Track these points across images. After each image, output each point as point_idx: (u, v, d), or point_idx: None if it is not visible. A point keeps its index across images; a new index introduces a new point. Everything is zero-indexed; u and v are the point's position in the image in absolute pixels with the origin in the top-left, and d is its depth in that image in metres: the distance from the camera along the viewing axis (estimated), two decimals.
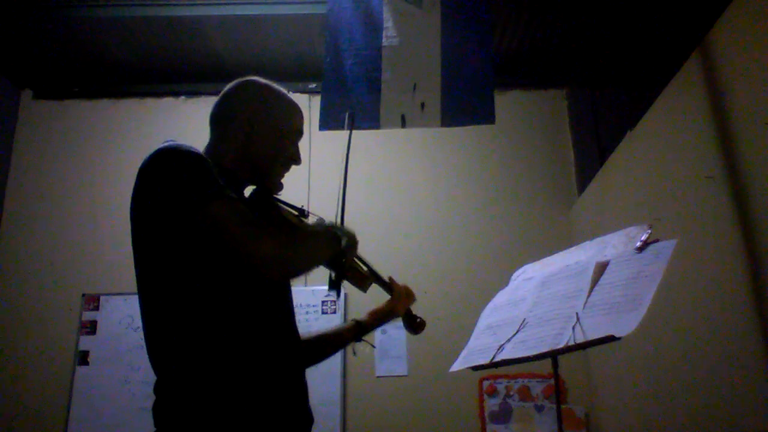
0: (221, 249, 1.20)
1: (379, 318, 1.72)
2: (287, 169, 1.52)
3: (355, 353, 1.71)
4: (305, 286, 3.55)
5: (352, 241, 1.44)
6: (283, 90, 1.54)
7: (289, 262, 1.27)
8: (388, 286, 1.71)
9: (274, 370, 1.30)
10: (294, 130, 1.52)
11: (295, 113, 1.52)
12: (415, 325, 1.75)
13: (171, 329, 1.24)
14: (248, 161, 1.45)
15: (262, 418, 1.24)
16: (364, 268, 1.61)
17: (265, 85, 1.52)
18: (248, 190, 1.53)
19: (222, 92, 1.51)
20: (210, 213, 1.19)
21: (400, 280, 1.77)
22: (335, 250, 1.39)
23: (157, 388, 1.26)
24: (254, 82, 1.51)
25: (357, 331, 1.70)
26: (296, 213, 1.53)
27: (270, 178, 1.49)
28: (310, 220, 1.54)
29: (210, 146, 1.46)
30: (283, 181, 1.53)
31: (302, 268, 1.31)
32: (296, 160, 1.52)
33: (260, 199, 1.48)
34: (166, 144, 1.29)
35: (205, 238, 1.20)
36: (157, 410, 1.24)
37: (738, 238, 2.04)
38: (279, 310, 1.39)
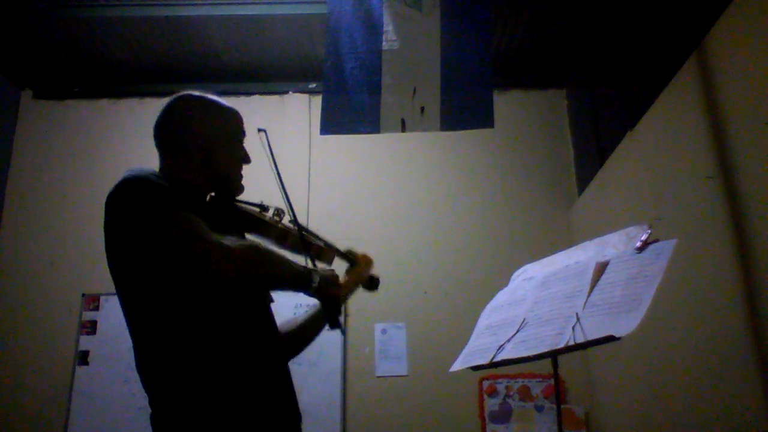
0: (184, 257, 1.25)
1: (348, 289, 1.72)
2: (241, 169, 1.58)
3: (342, 332, 1.73)
4: None
5: (327, 282, 1.44)
6: (215, 96, 1.58)
7: (243, 266, 1.29)
8: (350, 257, 1.74)
9: (260, 371, 1.35)
10: (238, 132, 1.57)
11: (233, 116, 1.58)
12: (372, 283, 1.77)
13: (158, 344, 1.30)
14: (211, 176, 1.50)
15: (251, 417, 1.29)
16: (322, 244, 1.66)
17: (202, 98, 1.55)
18: None
19: (160, 116, 1.52)
20: (174, 222, 1.26)
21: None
22: (302, 285, 1.40)
23: (151, 400, 1.31)
24: (190, 98, 1.54)
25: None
26: (258, 210, 1.60)
27: (233, 183, 1.55)
28: (270, 212, 1.61)
29: (166, 170, 1.48)
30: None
31: (255, 274, 1.32)
32: (247, 159, 1.58)
33: (221, 205, 1.54)
34: (128, 173, 1.34)
35: (172, 249, 1.25)
36: (153, 417, 1.30)
37: (737, 238, 2.04)
38: (259, 314, 1.45)
